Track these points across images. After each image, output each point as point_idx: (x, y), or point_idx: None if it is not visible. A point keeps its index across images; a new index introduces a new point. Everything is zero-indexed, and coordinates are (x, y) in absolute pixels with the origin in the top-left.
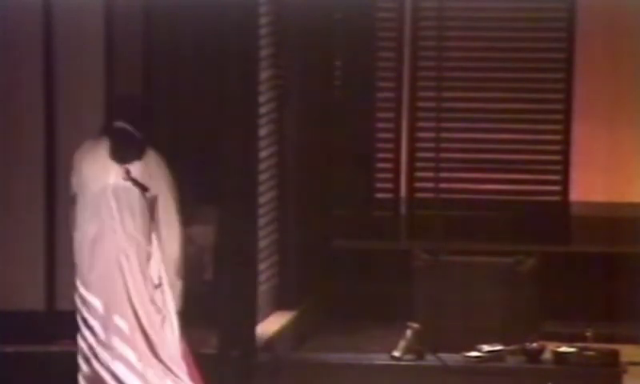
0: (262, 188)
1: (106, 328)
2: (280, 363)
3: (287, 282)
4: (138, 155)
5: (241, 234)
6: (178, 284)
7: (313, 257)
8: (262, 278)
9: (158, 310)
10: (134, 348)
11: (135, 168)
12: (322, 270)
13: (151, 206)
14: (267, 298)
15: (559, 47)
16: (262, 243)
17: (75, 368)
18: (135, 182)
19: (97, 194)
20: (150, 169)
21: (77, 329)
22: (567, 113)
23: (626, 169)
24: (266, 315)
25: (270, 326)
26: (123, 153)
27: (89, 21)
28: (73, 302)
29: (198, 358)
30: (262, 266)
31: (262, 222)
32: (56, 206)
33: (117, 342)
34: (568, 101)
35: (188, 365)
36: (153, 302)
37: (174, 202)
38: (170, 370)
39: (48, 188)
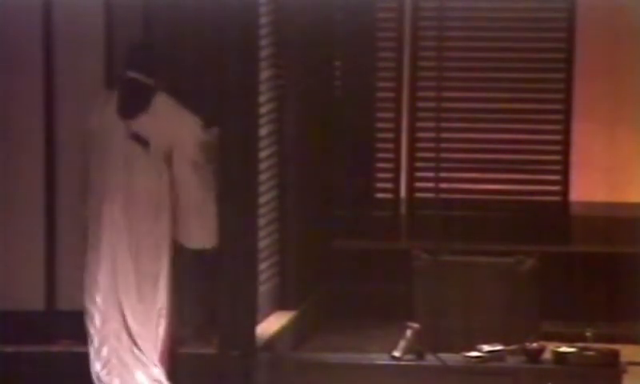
0: (262, 188)
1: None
2: (280, 363)
3: (287, 282)
4: (144, 107)
5: (241, 234)
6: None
7: (313, 257)
8: (262, 278)
9: (147, 307)
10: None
11: (139, 122)
12: (322, 269)
13: (166, 160)
14: (267, 297)
15: (559, 47)
16: (263, 243)
17: (75, 368)
18: (138, 139)
19: (101, 154)
20: (160, 120)
21: (77, 329)
22: (567, 113)
23: (626, 169)
24: (266, 315)
25: (269, 325)
26: (128, 106)
27: (89, 21)
28: (73, 302)
29: (197, 357)
30: (262, 266)
31: (262, 221)
32: (56, 205)
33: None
34: (568, 101)
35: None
36: (140, 299)
37: (194, 149)
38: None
39: (48, 188)
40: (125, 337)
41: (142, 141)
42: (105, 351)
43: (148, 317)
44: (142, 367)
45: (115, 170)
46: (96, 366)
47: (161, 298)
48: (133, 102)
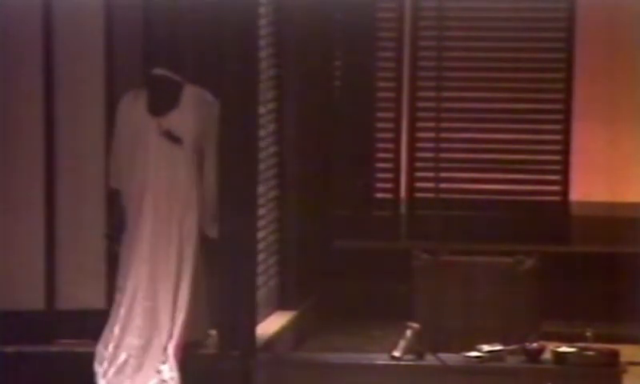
0: (261, 188)
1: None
2: (280, 363)
3: (287, 282)
4: (174, 104)
5: (240, 234)
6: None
7: (313, 257)
8: (262, 278)
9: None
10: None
11: (170, 119)
12: (322, 270)
13: (198, 153)
14: (267, 297)
15: (559, 47)
16: (262, 243)
17: (75, 368)
18: (171, 136)
19: (133, 153)
20: (190, 115)
21: (77, 329)
22: (567, 113)
23: (626, 169)
24: (266, 315)
25: (270, 325)
26: (159, 104)
27: (89, 21)
28: (73, 302)
29: (197, 357)
30: (261, 266)
31: (261, 221)
32: (56, 206)
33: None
34: (568, 101)
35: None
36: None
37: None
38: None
39: (48, 188)
40: (147, 335)
41: (174, 138)
42: (122, 356)
43: (169, 312)
44: (156, 373)
45: (149, 168)
46: (104, 365)
47: (184, 293)
48: (162, 100)
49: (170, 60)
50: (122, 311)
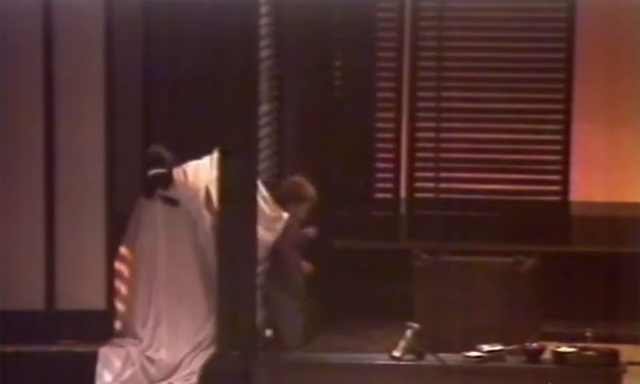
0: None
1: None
2: (280, 363)
3: None
4: (170, 184)
5: (241, 234)
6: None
7: (313, 257)
8: (262, 278)
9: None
10: None
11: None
12: (322, 269)
13: (207, 205)
14: None
15: (559, 47)
16: None
17: (75, 368)
18: (169, 201)
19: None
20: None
21: (77, 329)
22: (567, 113)
23: (625, 169)
24: None
25: None
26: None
27: (89, 21)
28: (73, 302)
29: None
30: (261, 267)
31: None
32: (56, 206)
33: None
34: (568, 101)
35: None
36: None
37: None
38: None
39: (48, 188)
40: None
41: (172, 202)
42: (127, 374)
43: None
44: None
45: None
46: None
47: (203, 330)
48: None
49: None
50: (150, 322)
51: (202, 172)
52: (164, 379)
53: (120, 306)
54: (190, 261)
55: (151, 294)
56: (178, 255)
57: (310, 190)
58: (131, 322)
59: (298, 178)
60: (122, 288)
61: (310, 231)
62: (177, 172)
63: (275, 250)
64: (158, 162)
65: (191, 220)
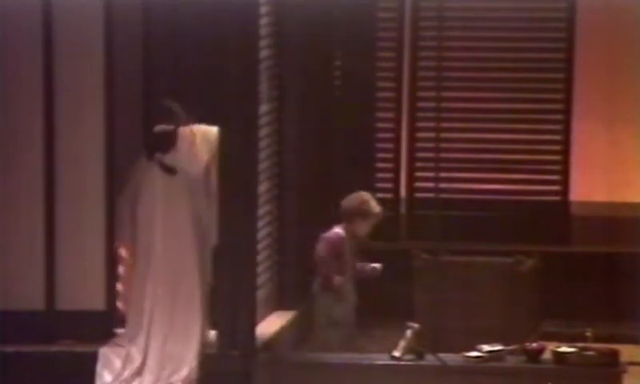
0: (261, 188)
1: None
2: (280, 363)
3: (287, 282)
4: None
5: (240, 234)
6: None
7: (313, 257)
8: (262, 278)
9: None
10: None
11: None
12: None
13: (205, 175)
14: (267, 297)
15: (559, 47)
16: (262, 243)
17: (75, 368)
18: (164, 167)
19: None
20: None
21: (77, 329)
22: (567, 113)
23: (625, 169)
24: (266, 315)
25: (269, 326)
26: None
27: (89, 21)
28: (73, 302)
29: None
30: (261, 266)
31: (261, 222)
32: (56, 206)
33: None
34: (568, 101)
35: None
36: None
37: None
38: None
39: (48, 187)
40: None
41: (168, 169)
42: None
43: (184, 337)
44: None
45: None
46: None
47: (197, 318)
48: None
49: (168, 116)
50: (145, 319)
51: (209, 139)
52: (159, 373)
53: (120, 288)
54: (187, 234)
55: (147, 280)
56: (176, 226)
57: (374, 205)
58: (129, 305)
59: (363, 194)
60: (122, 270)
61: (377, 267)
62: (184, 132)
63: (316, 262)
64: (166, 118)
65: (190, 189)
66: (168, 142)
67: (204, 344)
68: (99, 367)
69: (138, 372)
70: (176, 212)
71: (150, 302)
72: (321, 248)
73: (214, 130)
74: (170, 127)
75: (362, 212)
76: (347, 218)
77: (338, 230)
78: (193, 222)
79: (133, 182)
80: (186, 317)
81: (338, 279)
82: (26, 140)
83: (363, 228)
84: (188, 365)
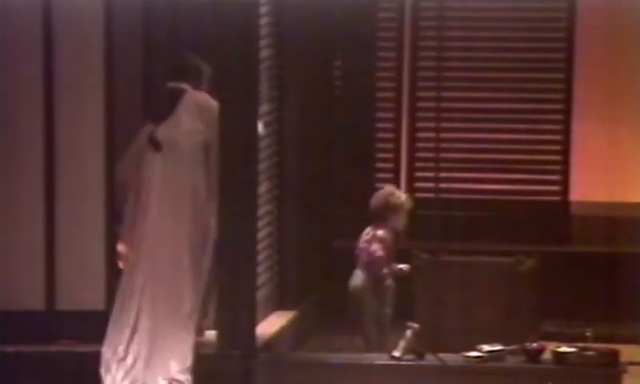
0: (261, 188)
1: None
2: (280, 363)
3: (287, 282)
4: (170, 111)
5: (240, 234)
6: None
7: (313, 257)
8: (262, 278)
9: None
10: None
11: (164, 126)
12: (322, 269)
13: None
14: (267, 297)
15: (559, 47)
16: (262, 243)
17: (75, 368)
18: (152, 141)
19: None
20: (184, 122)
21: (77, 329)
22: (567, 113)
23: (625, 169)
24: (266, 315)
25: (269, 326)
26: (156, 111)
27: (89, 21)
28: (73, 302)
29: (197, 357)
30: (261, 266)
31: (261, 221)
32: (56, 206)
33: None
34: (568, 101)
35: None
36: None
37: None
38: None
39: (48, 187)
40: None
41: (155, 144)
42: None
43: (176, 321)
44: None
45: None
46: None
47: (189, 300)
48: (160, 107)
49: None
50: (132, 313)
51: (210, 113)
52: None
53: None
54: (183, 211)
55: (136, 271)
56: (173, 197)
57: (401, 196)
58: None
59: (389, 188)
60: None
61: (404, 268)
62: (188, 100)
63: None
64: (182, 74)
65: (187, 162)
66: (167, 107)
67: (196, 345)
68: (102, 371)
69: (126, 370)
70: (173, 187)
71: (137, 296)
72: (376, 248)
73: (214, 103)
74: (180, 86)
75: (392, 206)
76: (379, 215)
77: (379, 230)
78: (191, 198)
79: (134, 145)
80: (175, 313)
81: (402, 266)
82: (25, 140)
83: (397, 221)
84: (177, 364)
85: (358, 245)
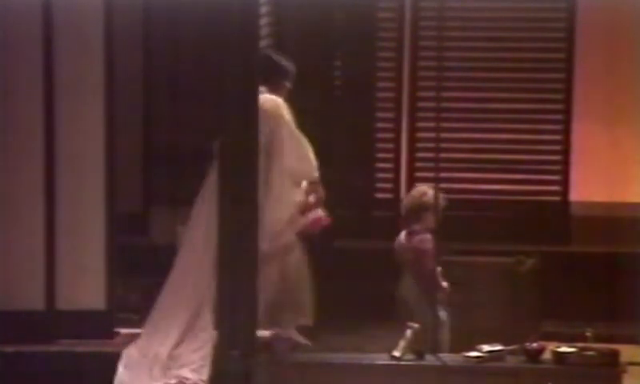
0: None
1: None
2: (280, 363)
3: None
4: None
5: (241, 234)
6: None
7: (313, 257)
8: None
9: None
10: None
11: None
12: (322, 269)
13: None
14: None
15: (559, 47)
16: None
17: (75, 368)
18: None
19: None
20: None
21: (77, 329)
22: (567, 113)
23: (626, 169)
24: None
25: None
26: None
27: (89, 21)
28: (73, 302)
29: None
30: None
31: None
32: (56, 205)
33: None
34: (568, 101)
35: None
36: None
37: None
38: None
39: (48, 188)
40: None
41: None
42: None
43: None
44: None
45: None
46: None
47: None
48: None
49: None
50: (185, 315)
51: (266, 113)
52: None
53: None
54: None
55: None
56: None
57: (433, 195)
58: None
59: (422, 187)
60: None
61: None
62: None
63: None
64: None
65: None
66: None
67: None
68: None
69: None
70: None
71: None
72: (427, 248)
73: (269, 104)
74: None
75: (426, 205)
76: (414, 215)
77: (424, 234)
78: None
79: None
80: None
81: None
82: (26, 140)
83: (431, 220)
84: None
85: (396, 250)
